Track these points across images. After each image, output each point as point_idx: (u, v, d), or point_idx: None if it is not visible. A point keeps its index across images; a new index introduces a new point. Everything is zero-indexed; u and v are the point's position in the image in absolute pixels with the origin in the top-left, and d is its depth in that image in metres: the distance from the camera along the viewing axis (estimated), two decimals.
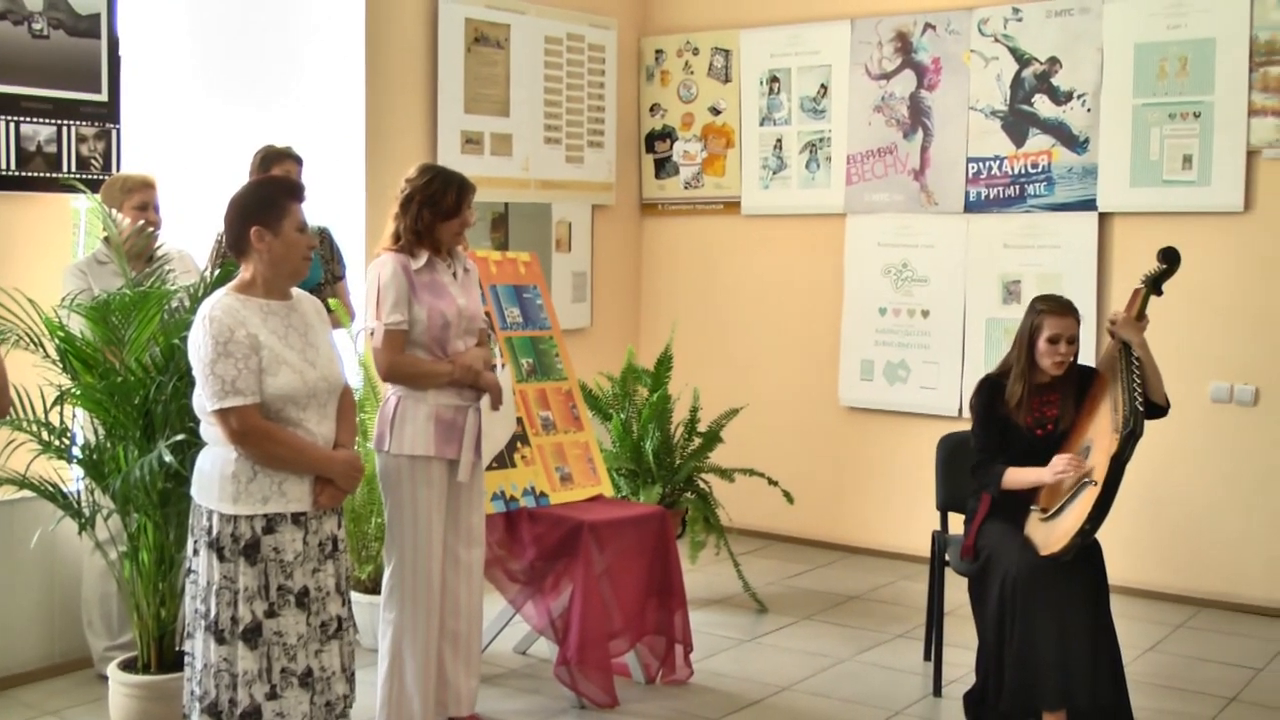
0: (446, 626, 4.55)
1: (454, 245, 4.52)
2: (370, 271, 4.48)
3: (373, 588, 5.49)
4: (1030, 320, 4.79)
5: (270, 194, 3.78)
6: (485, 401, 4.46)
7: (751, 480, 6.46)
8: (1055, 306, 4.78)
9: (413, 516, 4.42)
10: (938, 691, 5.19)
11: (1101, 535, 4.66)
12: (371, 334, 4.42)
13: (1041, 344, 4.75)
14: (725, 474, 6.37)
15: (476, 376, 4.44)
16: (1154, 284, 4.83)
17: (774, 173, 7.68)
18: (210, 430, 3.70)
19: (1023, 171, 6.90)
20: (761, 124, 7.71)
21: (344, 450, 3.80)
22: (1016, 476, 4.77)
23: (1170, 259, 4.82)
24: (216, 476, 3.67)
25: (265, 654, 3.65)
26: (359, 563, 5.56)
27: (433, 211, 4.42)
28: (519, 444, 5.26)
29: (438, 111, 6.75)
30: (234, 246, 3.76)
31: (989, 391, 4.88)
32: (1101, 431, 4.59)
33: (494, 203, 7.09)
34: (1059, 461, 4.63)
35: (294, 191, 3.82)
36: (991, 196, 6.99)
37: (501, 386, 4.52)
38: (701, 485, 6.36)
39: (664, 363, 6.40)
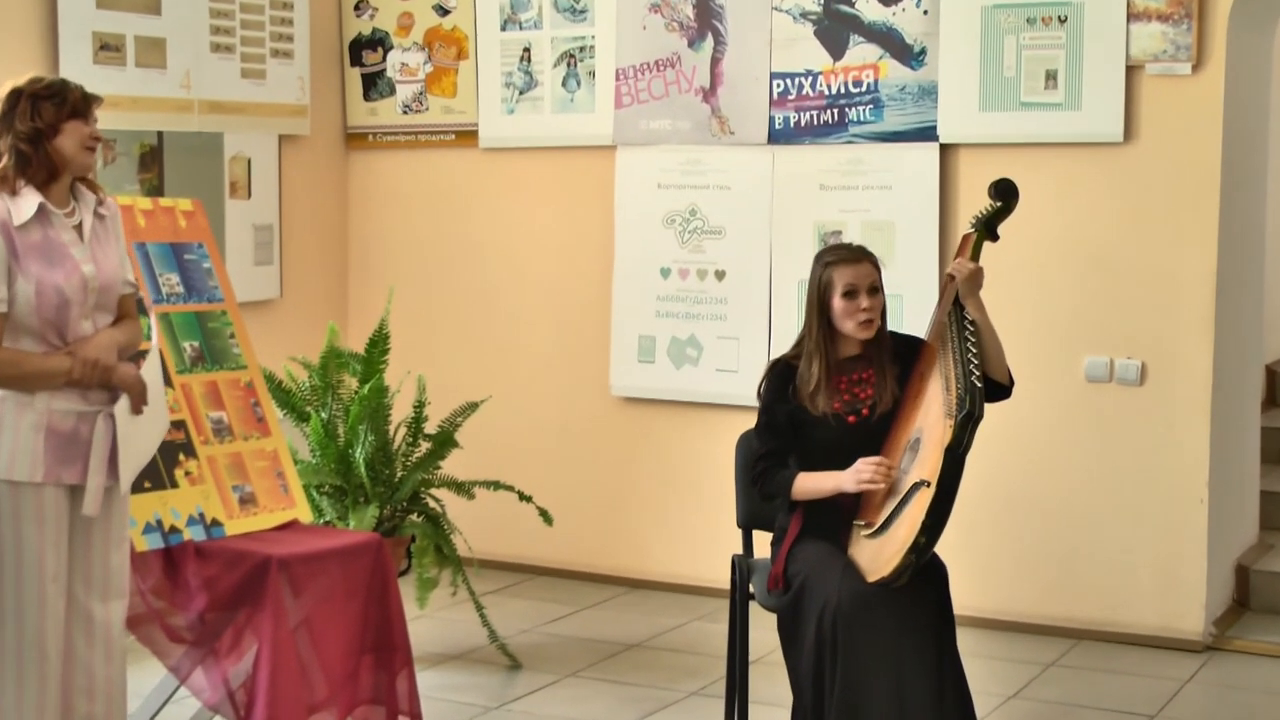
0: (76, 712, 4.42)
1: (83, 170, 4.36)
2: None
3: None
4: (817, 279, 4.90)
5: None
6: (122, 404, 4.32)
7: (497, 496, 6.46)
8: (842, 254, 4.91)
9: (16, 565, 4.27)
10: None
11: (946, 553, 4.78)
12: None
13: (837, 303, 4.85)
14: (463, 488, 6.36)
15: (107, 374, 4.29)
16: (987, 226, 4.97)
17: (521, 92, 7.67)
18: None
19: (842, 91, 7.02)
20: (504, 28, 7.69)
21: None
22: (809, 483, 4.87)
23: (1005, 194, 4.96)
24: None
25: None
26: None
27: (56, 107, 4.26)
28: (181, 456, 5.16)
29: (58, 5, 6.55)
30: None
31: (778, 378, 4.98)
32: (933, 419, 4.69)
33: (143, 132, 6.93)
34: (864, 466, 4.73)
35: None
36: (803, 123, 7.09)
37: (146, 382, 4.39)
38: (431, 504, 6.35)
39: (378, 343, 6.36)
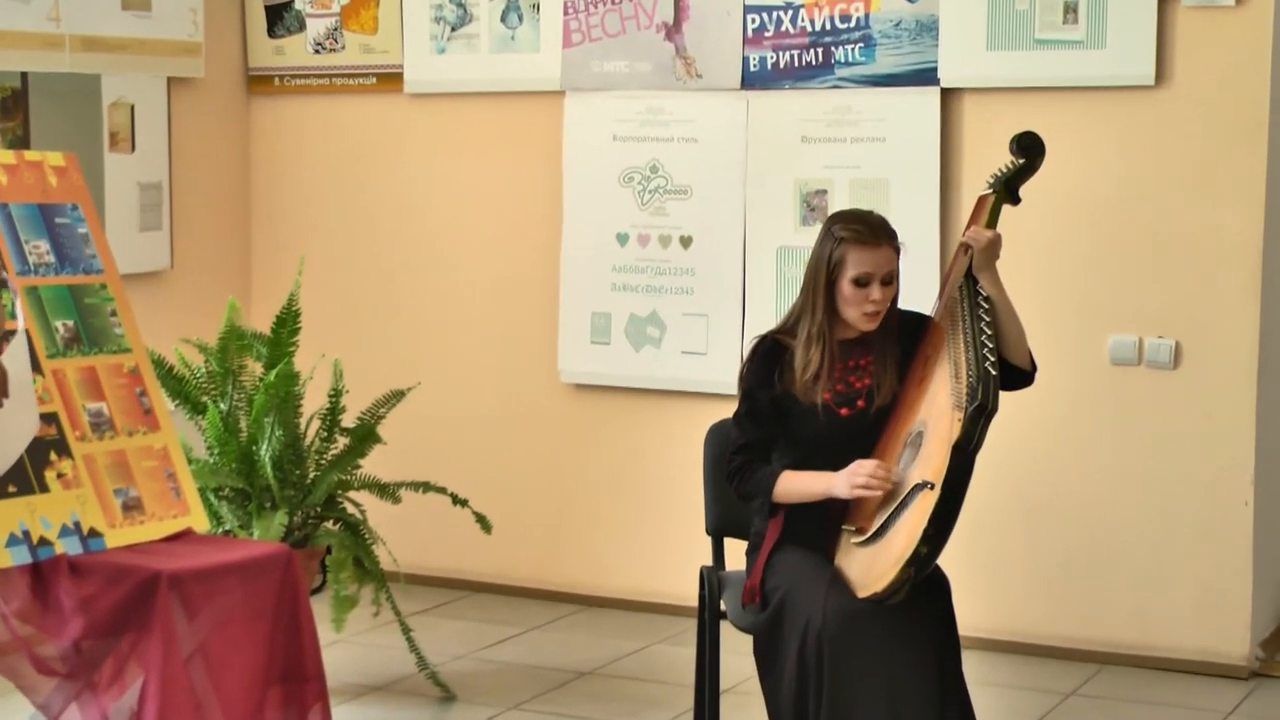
0: None
1: None
2: None
3: None
4: (827, 252, 4.87)
5: None
6: None
7: (427, 500, 6.45)
8: (861, 232, 4.86)
9: None
10: None
11: (949, 564, 4.77)
12: None
13: (845, 287, 4.83)
14: (387, 491, 6.36)
15: None
16: (1007, 187, 4.96)
17: (453, 28, 7.65)
18: None
19: (828, 27, 7.01)
20: None
21: None
22: (794, 485, 4.86)
23: (1029, 150, 4.95)
24: None
25: None
26: None
27: None
28: (53, 455, 5.11)
29: None
30: None
31: (764, 358, 4.97)
32: (939, 411, 4.69)
33: (3, 73, 6.89)
34: (860, 470, 4.72)
35: None
36: (782, 65, 7.08)
37: (8, 369, 4.36)
38: (349, 510, 6.34)
39: (287, 322, 6.35)
